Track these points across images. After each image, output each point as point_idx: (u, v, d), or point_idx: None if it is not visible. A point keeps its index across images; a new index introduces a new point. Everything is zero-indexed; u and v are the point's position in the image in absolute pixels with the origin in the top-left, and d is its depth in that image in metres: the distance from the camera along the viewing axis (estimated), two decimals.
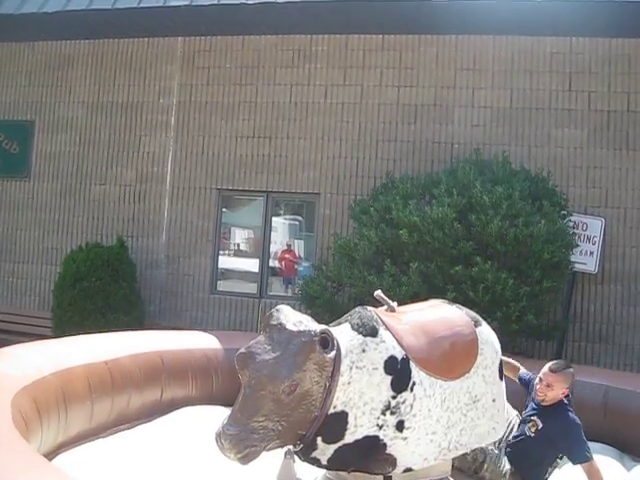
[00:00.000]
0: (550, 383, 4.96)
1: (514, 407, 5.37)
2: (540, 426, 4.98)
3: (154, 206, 10.69)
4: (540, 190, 8.57)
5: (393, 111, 9.95)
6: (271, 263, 10.65)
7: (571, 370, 5.08)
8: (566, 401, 5.05)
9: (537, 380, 5.05)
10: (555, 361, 5.21)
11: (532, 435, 5.01)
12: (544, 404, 5.01)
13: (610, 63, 9.46)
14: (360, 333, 4.16)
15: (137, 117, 10.86)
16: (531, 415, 5.09)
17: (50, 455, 4.73)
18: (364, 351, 4.11)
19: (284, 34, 10.32)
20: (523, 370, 5.52)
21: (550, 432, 4.93)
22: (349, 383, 4.04)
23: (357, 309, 4.43)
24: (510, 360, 5.47)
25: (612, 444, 6.09)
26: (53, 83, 11.23)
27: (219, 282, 10.66)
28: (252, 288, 10.50)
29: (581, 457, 4.78)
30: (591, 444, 5.91)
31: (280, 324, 3.97)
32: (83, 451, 5.00)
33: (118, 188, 10.84)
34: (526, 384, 5.40)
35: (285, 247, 10.91)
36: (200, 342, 6.96)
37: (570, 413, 5.00)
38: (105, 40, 11.02)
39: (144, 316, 10.13)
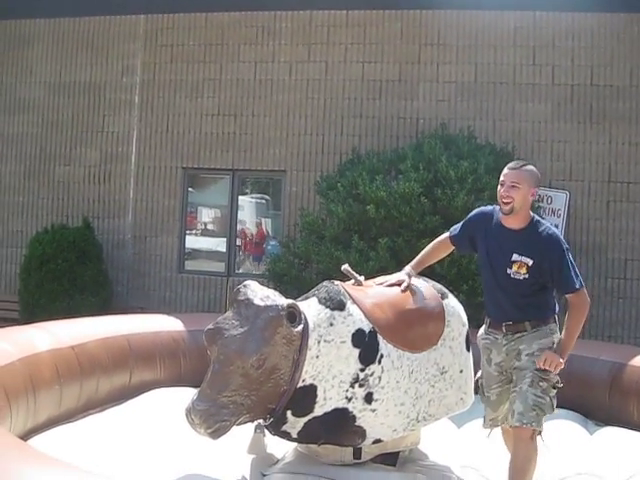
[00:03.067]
0: (514, 181, 4.15)
1: None
2: (530, 262, 4.13)
3: (119, 186, 10.60)
4: (505, 164, 8.58)
5: (358, 87, 9.93)
6: (238, 242, 10.63)
7: (534, 167, 4.33)
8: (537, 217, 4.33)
9: (498, 188, 4.24)
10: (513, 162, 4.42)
11: (519, 278, 4.18)
12: (512, 215, 4.17)
13: (573, 37, 9.52)
14: (327, 307, 4.18)
15: (100, 97, 10.72)
16: (509, 256, 4.19)
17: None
18: (332, 325, 4.14)
19: (247, 10, 10.23)
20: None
21: (540, 259, 4.13)
22: (317, 357, 4.07)
23: (324, 283, 4.45)
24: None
25: (576, 410, 6.19)
26: (13, 63, 11.03)
27: (187, 262, 10.62)
28: (220, 267, 10.49)
29: (572, 282, 4.11)
30: (556, 410, 6.04)
31: (247, 299, 3.99)
32: (53, 435, 4.98)
33: (82, 169, 10.72)
34: (466, 236, 4.54)
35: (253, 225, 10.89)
36: (167, 324, 6.93)
37: (550, 226, 4.27)
38: (65, 19, 10.84)
39: (112, 297, 10.07)
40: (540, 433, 4.12)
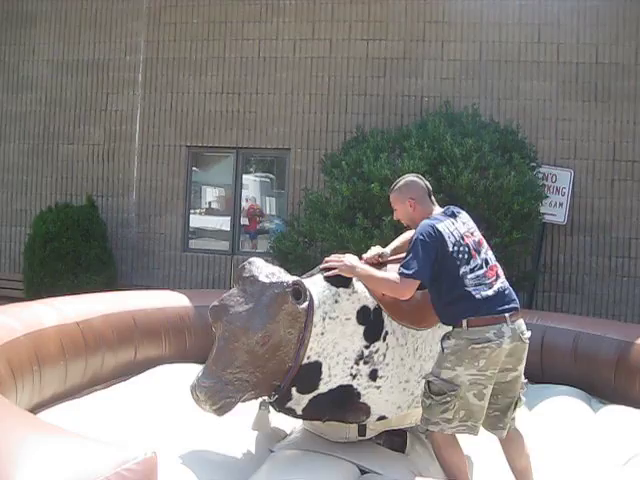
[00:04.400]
0: (392, 206, 4.39)
1: None
2: None
3: (123, 165, 10.59)
4: (510, 142, 8.61)
5: (362, 65, 9.89)
6: (243, 221, 10.63)
7: (406, 179, 4.33)
8: (439, 213, 4.21)
9: None
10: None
11: None
12: (413, 227, 4.20)
13: (578, 15, 9.46)
14: (333, 284, 4.19)
15: (104, 75, 10.69)
16: None
17: None
18: (337, 302, 4.15)
19: None
20: None
21: None
22: (322, 334, 4.08)
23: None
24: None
25: (581, 387, 6.23)
26: (16, 41, 10.99)
27: (191, 240, 10.63)
28: (224, 246, 10.50)
29: (403, 265, 3.90)
30: (561, 387, 6.05)
31: (252, 276, 4.00)
32: (59, 411, 5.00)
33: (86, 147, 10.71)
34: None
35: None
36: (172, 301, 6.94)
37: (427, 220, 4.07)
38: None
39: (116, 275, 10.09)
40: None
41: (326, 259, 4.27)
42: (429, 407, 3.89)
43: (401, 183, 4.34)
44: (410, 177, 4.41)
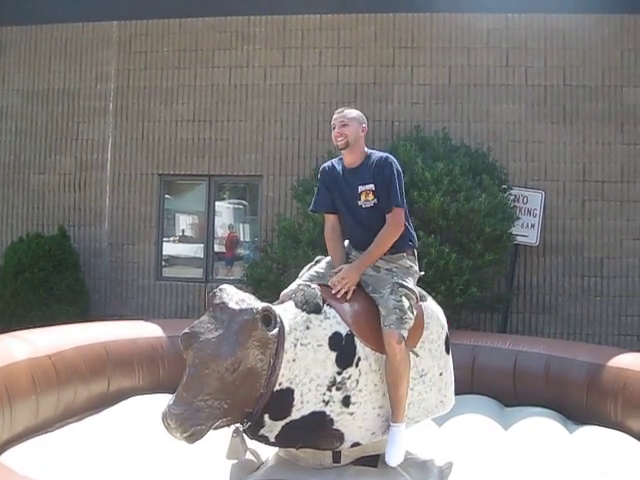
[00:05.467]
0: (343, 121, 4.66)
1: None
2: (372, 186, 4.57)
3: (95, 194, 10.53)
4: (480, 165, 8.68)
5: (333, 91, 9.94)
6: (217, 248, 10.59)
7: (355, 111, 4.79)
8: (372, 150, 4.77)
9: (332, 133, 4.70)
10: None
11: (370, 205, 4.61)
12: (348, 150, 4.66)
13: (546, 38, 9.59)
14: (304, 310, 4.19)
15: (74, 104, 10.64)
16: (356, 190, 4.61)
17: None
18: (308, 328, 4.15)
19: (221, 16, 10.21)
20: None
21: (378, 180, 4.57)
22: (294, 360, 4.07)
23: (301, 287, 4.45)
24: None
25: (554, 409, 6.25)
26: None
27: (165, 269, 10.56)
28: (198, 273, 10.45)
29: (393, 200, 4.52)
30: (536, 409, 6.08)
31: (223, 303, 4.00)
32: (30, 446, 4.94)
33: (58, 177, 10.64)
34: (327, 196, 4.86)
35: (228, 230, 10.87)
36: (144, 331, 6.93)
37: (386, 153, 4.72)
38: (39, 26, 10.77)
39: (89, 305, 9.98)
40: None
41: (332, 287, 4.44)
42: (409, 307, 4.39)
43: (360, 113, 4.82)
44: None
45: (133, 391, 6.36)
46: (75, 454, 4.71)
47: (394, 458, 4.37)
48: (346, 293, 4.42)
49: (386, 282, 4.47)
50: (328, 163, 4.96)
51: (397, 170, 4.61)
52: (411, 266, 4.64)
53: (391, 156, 4.71)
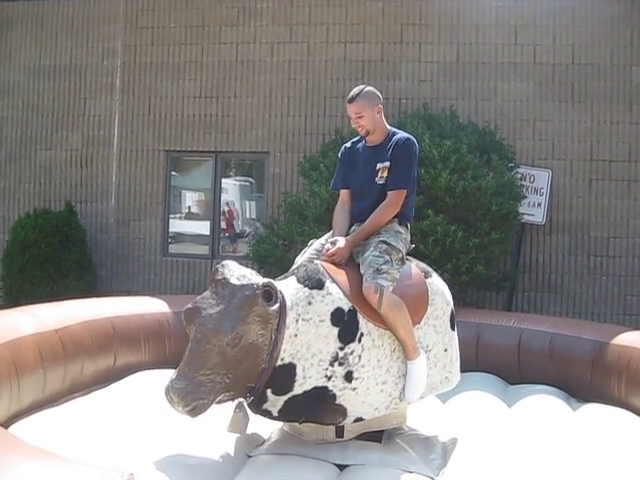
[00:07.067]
0: (357, 112, 4.69)
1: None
2: (388, 164, 4.67)
3: (102, 170, 10.54)
4: (488, 143, 8.64)
5: (340, 68, 9.90)
6: (223, 225, 10.59)
7: (367, 88, 4.76)
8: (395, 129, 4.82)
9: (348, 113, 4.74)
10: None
11: (383, 182, 4.71)
12: (371, 135, 4.75)
13: (555, 16, 9.50)
14: (306, 286, 4.20)
15: (81, 80, 10.63)
16: (375, 167, 4.73)
17: (4, 425, 4.69)
18: (310, 303, 4.16)
19: None
20: None
21: (392, 159, 4.68)
22: (296, 335, 4.08)
23: (303, 262, 4.46)
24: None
25: (558, 387, 6.27)
26: None
27: (171, 245, 10.58)
28: (204, 250, 10.47)
29: (400, 182, 4.66)
30: (540, 386, 6.10)
31: (224, 279, 4.01)
32: (37, 419, 4.98)
33: (64, 153, 10.65)
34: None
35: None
36: (151, 306, 6.95)
37: (407, 134, 4.77)
38: (45, 1, 10.73)
39: (96, 281, 10.03)
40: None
41: (323, 257, 4.51)
42: (387, 260, 4.45)
43: (366, 90, 4.73)
44: (367, 86, 4.80)
45: (139, 366, 6.39)
46: (82, 427, 4.73)
47: (409, 392, 4.45)
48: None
49: (371, 244, 4.56)
50: (348, 143, 5.06)
51: (414, 153, 4.73)
52: (400, 231, 4.70)
53: (412, 138, 4.77)
